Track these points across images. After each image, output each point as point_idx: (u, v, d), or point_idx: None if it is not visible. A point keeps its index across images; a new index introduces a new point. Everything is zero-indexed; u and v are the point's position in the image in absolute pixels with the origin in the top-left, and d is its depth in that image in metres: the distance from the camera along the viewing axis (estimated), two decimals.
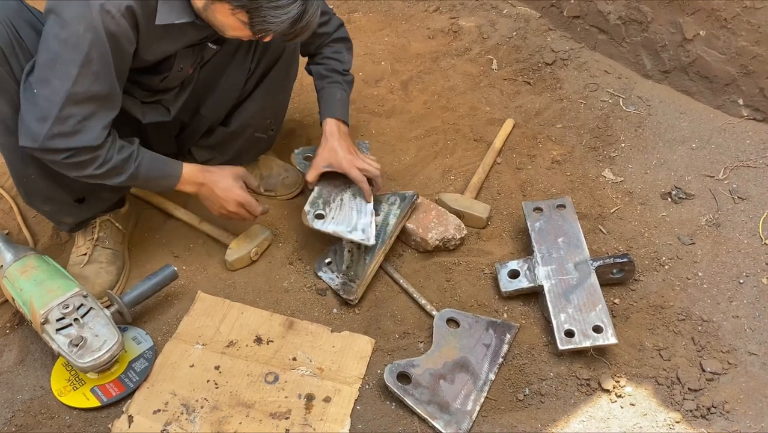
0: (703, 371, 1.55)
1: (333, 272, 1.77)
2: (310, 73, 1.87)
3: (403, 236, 1.87)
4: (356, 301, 1.71)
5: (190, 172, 1.60)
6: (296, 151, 1.92)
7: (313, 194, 1.77)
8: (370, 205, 1.75)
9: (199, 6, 1.39)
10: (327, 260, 1.80)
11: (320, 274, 1.79)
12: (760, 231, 1.83)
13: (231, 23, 1.37)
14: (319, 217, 1.72)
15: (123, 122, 1.53)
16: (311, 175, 1.75)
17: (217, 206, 1.67)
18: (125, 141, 1.51)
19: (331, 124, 1.76)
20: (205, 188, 1.63)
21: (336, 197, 1.77)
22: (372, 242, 1.68)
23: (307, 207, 1.74)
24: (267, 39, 1.39)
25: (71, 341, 1.45)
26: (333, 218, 1.72)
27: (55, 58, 1.33)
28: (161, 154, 1.88)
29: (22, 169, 1.53)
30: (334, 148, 1.73)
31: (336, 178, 1.80)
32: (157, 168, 1.56)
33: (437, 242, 1.81)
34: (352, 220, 1.71)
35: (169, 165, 1.59)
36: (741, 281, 1.73)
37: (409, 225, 1.83)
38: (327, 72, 1.81)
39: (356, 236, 1.68)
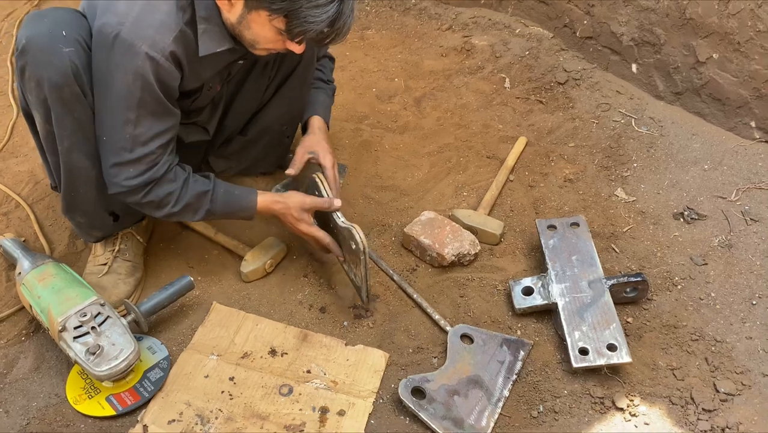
0: (717, 391, 1.55)
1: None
2: None
3: (418, 251, 1.88)
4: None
5: (262, 204, 1.65)
6: (276, 186, 1.95)
7: (287, 180, 1.88)
8: None
9: (233, 21, 1.41)
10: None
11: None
12: None
13: (266, 34, 1.39)
14: None
15: None
16: (296, 165, 1.77)
17: (296, 232, 1.72)
18: (201, 175, 1.59)
19: (319, 120, 1.84)
20: (277, 219, 1.70)
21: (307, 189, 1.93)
22: None
23: (278, 185, 1.86)
24: (300, 48, 1.41)
25: (88, 349, 1.46)
26: None
27: (112, 106, 1.41)
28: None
29: (73, 185, 1.55)
30: (321, 140, 1.80)
31: (310, 175, 1.96)
32: (233, 203, 1.62)
33: (453, 258, 1.82)
34: None
35: (243, 197, 1.64)
36: (754, 303, 1.74)
37: (425, 240, 1.84)
38: (313, 80, 1.91)
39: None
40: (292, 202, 1.66)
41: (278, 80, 1.79)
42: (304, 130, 1.86)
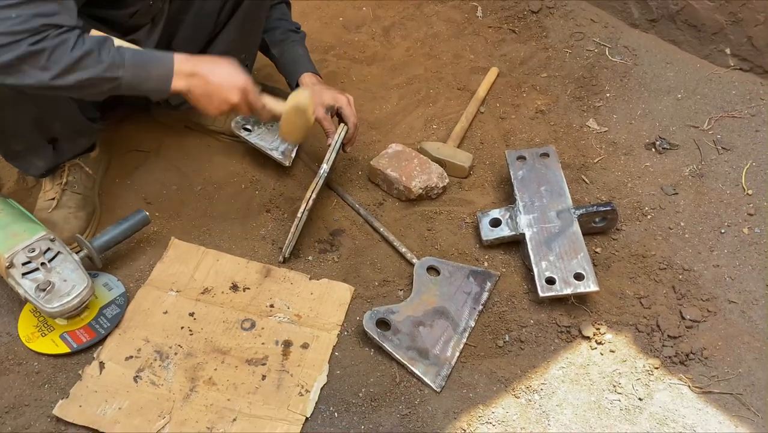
0: (683, 318, 1.55)
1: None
2: (263, 48, 1.85)
3: (385, 185, 1.83)
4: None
5: (181, 59, 1.34)
6: (236, 119, 1.87)
7: None
8: None
9: None
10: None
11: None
12: (743, 182, 1.82)
13: None
14: (246, 129, 1.85)
15: None
16: (331, 130, 1.67)
17: (217, 102, 1.40)
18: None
19: (310, 77, 1.75)
20: (198, 79, 1.36)
21: (267, 122, 1.86)
22: (288, 164, 1.80)
23: (238, 118, 1.85)
24: None
25: (38, 285, 1.40)
26: (258, 135, 1.85)
27: None
28: (134, 102, 1.81)
29: None
30: (333, 91, 1.72)
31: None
32: (145, 53, 1.32)
33: (421, 190, 1.77)
34: (275, 143, 1.83)
35: (156, 51, 1.35)
36: (722, 231, 1.73)
37: (392, 173, 1.79)
38: (282, 35, 1.81)
39: (275, 155, 1.81)
40: (222, 59, 1.40)
41: (231, 4, 1.68)
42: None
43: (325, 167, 1.61)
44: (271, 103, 1.50)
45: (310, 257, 1.68)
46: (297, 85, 1.76)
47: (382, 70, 2.21)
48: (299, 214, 1.58)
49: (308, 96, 1.52)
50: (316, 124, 1.64)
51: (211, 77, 1.37)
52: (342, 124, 1.69)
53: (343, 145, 1.71)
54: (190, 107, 1.85)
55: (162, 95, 1.37)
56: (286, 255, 1.64)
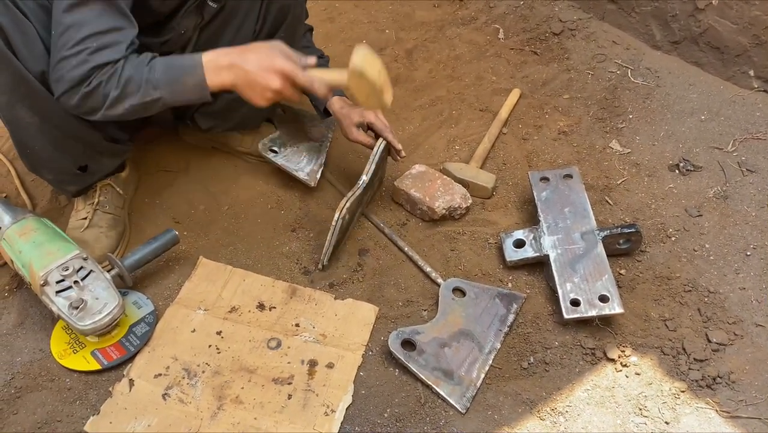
0: (709, 341, 1.54)
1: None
2: None
3: (408, 205, 1.85)
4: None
5: (211, 57, 1.36)
6: (263, 141, 1.91)
7: (274, 134, 1.93)
8: (323, 158, 1.89)
9: None
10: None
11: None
12: None
13: None
14: (273, 151, 1.89)
15: None
16: (371, 145, 1.74)
17: (260, 90, 1.37)
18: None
19: (338, 100, 1.79)
20: (236, 70, 1.35)
21: (294, 144, 1.93)
22: (313, 184, 1.84)
23: (265, 140, 1.90)
24: None
25: (71, 303, 1.43)
26: (284, 156, 1.89)
27: None
28: (162, 123, 1.86)
29: (26, 141, 1.51)
30: (352, 110, 1.76)
31: (298, 129, 1.97)
32: (174, 66, 1.35)
33: (444, 211, 1.79)
34: (301, 164, 1.87)
35: (186, 57, 1.38)
36: (748, 254, 1.72)
37: (415, 194, 1.81)
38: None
39: (300, 175, 1.84)
40: (260, 44, 1.39)
41: (264, 36, 1.73)
42: (326, 113, 1.83)
43: (364, 178, 1.66)
44: (325, 75, 1.41)
45: (334, 277, 1.70)
46: (325, 110, 1.80)
47: (405, 92, 2.24)
48: (333, 223, 1.60)
49: (362, 54, 1.36)
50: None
51: (246, 66, 1.34)
52: (380, 138, 1.73)
53: (391, 153, 1.78)
54: (220, 131, 1.90)
55: (205, 99, 1.40)
56: (325, 262, 1.68)
